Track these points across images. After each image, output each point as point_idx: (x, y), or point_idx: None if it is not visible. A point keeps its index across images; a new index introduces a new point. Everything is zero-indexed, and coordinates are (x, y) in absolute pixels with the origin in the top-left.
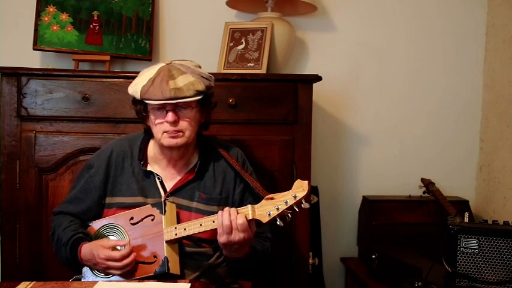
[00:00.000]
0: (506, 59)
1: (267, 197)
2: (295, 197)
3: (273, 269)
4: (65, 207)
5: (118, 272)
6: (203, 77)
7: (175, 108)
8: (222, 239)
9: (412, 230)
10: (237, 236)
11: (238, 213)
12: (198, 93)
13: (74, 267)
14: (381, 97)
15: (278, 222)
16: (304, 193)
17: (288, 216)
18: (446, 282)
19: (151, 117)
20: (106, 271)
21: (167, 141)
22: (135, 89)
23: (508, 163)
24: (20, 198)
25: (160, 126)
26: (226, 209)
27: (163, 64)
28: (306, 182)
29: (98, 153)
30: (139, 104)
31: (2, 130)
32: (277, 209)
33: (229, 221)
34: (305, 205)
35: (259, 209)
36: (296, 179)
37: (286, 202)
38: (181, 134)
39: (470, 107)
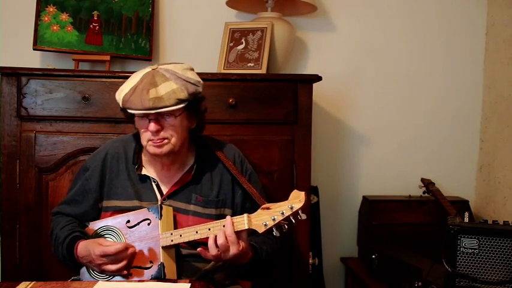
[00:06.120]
0: (506, 59)
1: (263, 206)
2: (291, 208)
3: (274, 267)
4: (63, 208)
5: (113, 268)
6: (190, 83)
7: (158, 116)
8: (213, 252)
9: (412, 230)
10: (228, 253)
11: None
12: (180, 101)
13: (70, 265)
14: (381, 97)
15: (274, 233)
16: (300, 204)
17: (285, 226)
18: (446, 282)
19: (136, 125)
20: (101, 268)
21: (152, 149)
22: (119, 96)
23: (508, 163)
24: (20, 198)
25: (145, 134)
26: (221, 230)
27: (149, 69)
28: (303, 193)
29: (94, 155)
30: (125, 110)
31: (2, 130)
32: (274, 219)
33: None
34: (302, 216)
35: (255, 218)
36: (296, 179)
37: (282, 213)
38: (166, 141)
39: (470, 107)
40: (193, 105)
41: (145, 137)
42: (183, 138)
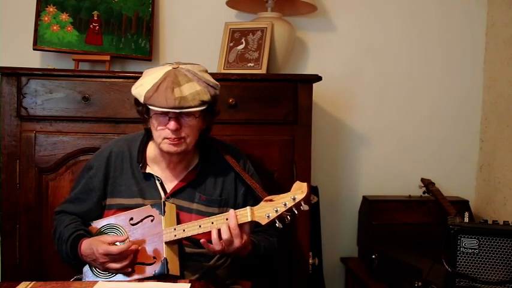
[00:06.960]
0: (506, 59)
1: (266, 198)
2: (294, 199)
3: (272, 268)
4: (67, 207)
5: (116, 266)
6: (210, 85)
7: (178, 116)
8: (217, 247)
9: (412, 230)
10: (231, 246)
11: (228, 219)
12: (203, 103)
13: (74, 263)
14: (380, 97)
15: (277, 224)
16: (303, 195)
17: (287, 218)
18: (446, 282)
19: (153, 121)
20: (104, 266)
21: (167, 147)
22: (139, 91)
23: (508, 163)
24: (20, 198)
25: (162, 132)
26: (225, 223)
27: (170, 68)
28: (305, 184)
29: (97, 154)
30: (142, 105)
31: (2, 130)
32: (276, 211)
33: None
34: (304, 207)
35: (258, 210)
36: (296, 179)
37: (285, 204)
38: (182, 140)
39: (470, 106)
40: (210, 107)
41: (161, 134)
42: (196, 138)
